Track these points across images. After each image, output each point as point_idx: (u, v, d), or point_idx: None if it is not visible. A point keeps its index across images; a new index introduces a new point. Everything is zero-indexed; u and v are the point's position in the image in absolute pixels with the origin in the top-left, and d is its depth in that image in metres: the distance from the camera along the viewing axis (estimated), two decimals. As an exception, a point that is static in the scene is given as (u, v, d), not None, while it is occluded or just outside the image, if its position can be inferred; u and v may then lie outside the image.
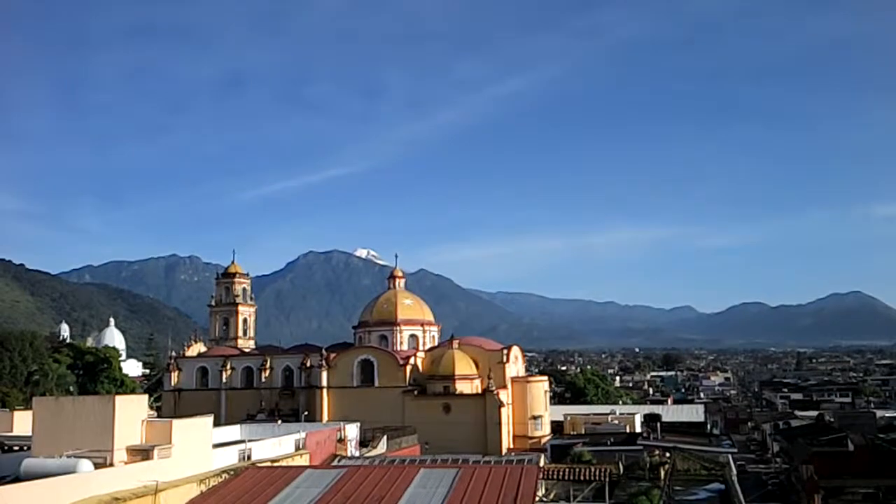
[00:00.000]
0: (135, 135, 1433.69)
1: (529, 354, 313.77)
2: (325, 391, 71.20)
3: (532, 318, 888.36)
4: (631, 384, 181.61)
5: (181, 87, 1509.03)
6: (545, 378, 77.98)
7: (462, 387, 68.64)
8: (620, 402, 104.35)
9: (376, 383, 70.61)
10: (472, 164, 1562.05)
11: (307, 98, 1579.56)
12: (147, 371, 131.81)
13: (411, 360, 70.86)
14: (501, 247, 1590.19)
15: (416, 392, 69.26)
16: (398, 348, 74.91)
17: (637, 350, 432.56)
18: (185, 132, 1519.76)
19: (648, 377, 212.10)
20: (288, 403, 73.66)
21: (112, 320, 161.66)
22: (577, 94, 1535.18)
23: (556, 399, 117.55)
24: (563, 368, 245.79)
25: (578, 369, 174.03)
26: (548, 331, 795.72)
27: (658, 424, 65.02)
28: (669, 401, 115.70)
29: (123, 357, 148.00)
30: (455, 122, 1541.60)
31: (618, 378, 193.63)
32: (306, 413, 69.34)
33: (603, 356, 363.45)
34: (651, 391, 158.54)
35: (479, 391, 68.37)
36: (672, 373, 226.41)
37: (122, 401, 23.31)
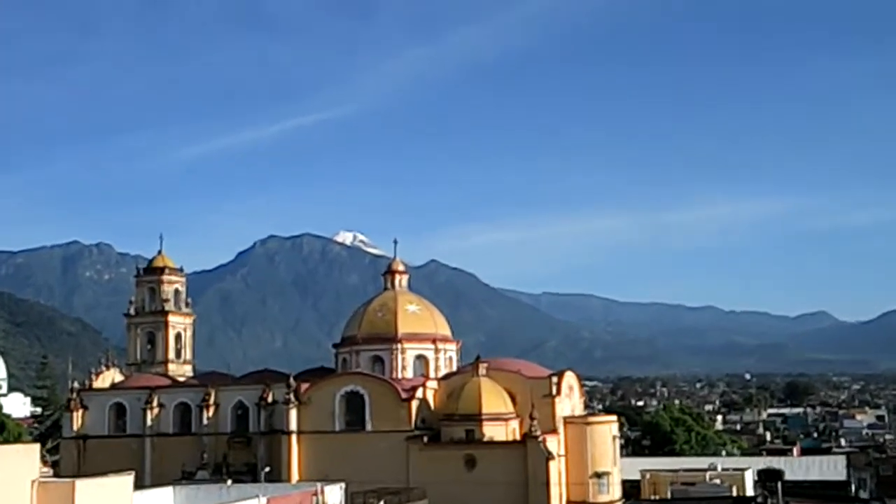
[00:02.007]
0: (20, 67, 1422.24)
1: (590, 384, 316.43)
2: (294, 438, 71.34)
3: (593, 331, 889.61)
4: (739, 426, 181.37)
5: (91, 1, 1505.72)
6: (613, 418, 77.95)
7: (492, 431, 68.63)
8: (724, 453, 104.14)
9: (369, 426, 70.76)
10: (501, 108, 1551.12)
11: (266, 15, 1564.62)
12: (38, 410, 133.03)
13: (418, 393, 70.90)
14: (546, 227, 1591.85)
15: (425, 439, 69.34)
16: (400, 375, 75.05)
17: (748, 376, 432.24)
18: (93, 64, 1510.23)
19: (765, 416, 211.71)
20: (241, 455, 73.87)
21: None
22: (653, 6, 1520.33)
23: (631, 448, 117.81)
24: (640, 404, 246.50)
25: (661, 405, 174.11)
26: (616, 349, 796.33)
27: (779, 485, 64.82)
28: (795, 450, 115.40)
29: (3, 390, 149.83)
30: (476, 49, 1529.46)
31: (720, 417, 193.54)
32: (268, 469, 69.48)
33: (698, 385, 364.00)
34: (769, 436, 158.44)
35: (518, 437, 68.42)
36: (799, 410, 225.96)
37: (1, 454, 23.46)
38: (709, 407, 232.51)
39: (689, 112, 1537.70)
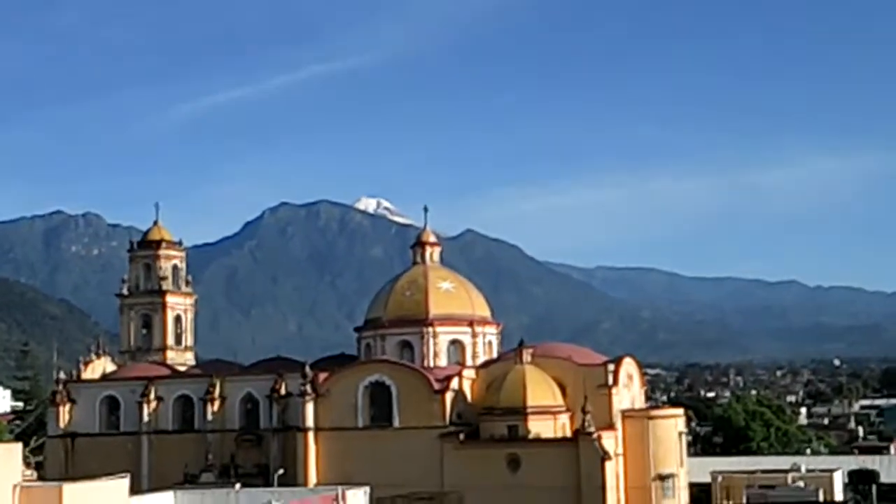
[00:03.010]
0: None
1: (653, 372, 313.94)
2: (311, 435, 71.96)
3: (656, 311, 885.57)
4: (827, 420, 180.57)
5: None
6: (680, 411, 78.27)
7: (539, 426, 68.92)
8: (808, 452, 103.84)
9: (396, 422, 71.42)
10: (551, 50, 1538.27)
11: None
12: (20, 404, 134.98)
13: (453, 384, 71.33)
14: (601, 191, 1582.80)
15: (462, 436, 69.82)
16: (432, 363, 75.41)
17: (837, 363, 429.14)
18: (72, 7, 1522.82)
19: (857, 408, 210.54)
20: (251, 455, 74.72)
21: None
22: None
23: (700, 446, 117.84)
24: (711, 395, 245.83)
25: (735, 396, 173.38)
26: (683, 331, 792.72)
27: (873, 488, 64.60)
28: (893, 448, 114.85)
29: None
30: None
31: (804, 410, 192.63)
32: (282, 471, 70.26)
33: (778, 373, 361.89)
34: (861, 432, 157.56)
35: (569, 434, 68.76)
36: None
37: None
38: (791, 398, 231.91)
39: (776, 51, 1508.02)
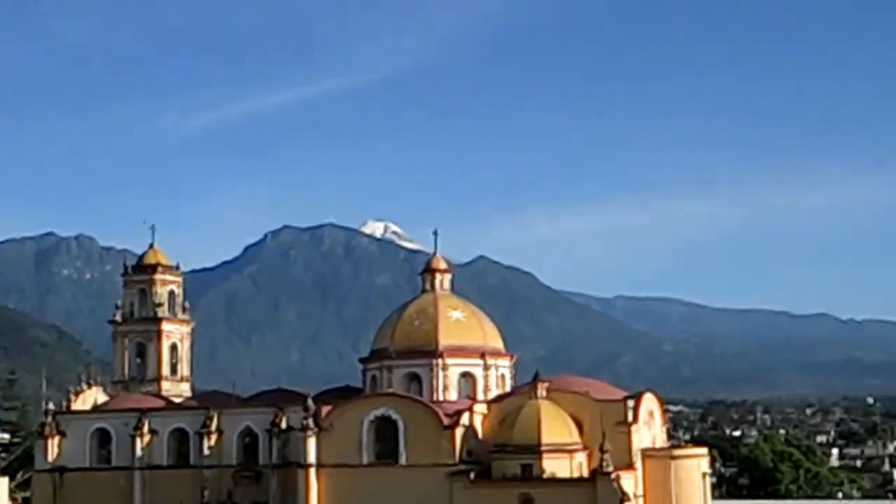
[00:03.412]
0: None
1: (675, 408, 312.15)
2: (312, 472, 72.01)
3: (678, 344, 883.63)
4: (860, 462, 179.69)
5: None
6: (703, 451, 77.97)
7: (555, 465, 68.80)
8: (840, 495, 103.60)
9: (403, 459, 71.42)
10: (565, 69, 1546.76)
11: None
12: (5, 436, 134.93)
13: (464, 419, 71.30)
14: (620, 216, 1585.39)
15: (472, 475, 69.70)
16: (441, 397, 75.52)
17: (871, 401, 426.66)
18: (67, 15, 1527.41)
19: (891, 449, 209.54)
20: (249, 492, 74.71)
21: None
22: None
23: (725, 488, 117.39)
24: (736, 434, 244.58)
25: (763, 435, 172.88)
26: (707, 366, 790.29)
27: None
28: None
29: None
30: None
31: (835, 451, 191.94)
32: (282, 510, 70.42)
33: (808, 411, 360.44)
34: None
35: (585, 473, 68.61)
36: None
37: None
38: (822, 438, 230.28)
39: (807, 70, 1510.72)
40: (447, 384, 76.31)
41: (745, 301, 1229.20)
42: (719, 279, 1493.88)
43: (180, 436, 78.54)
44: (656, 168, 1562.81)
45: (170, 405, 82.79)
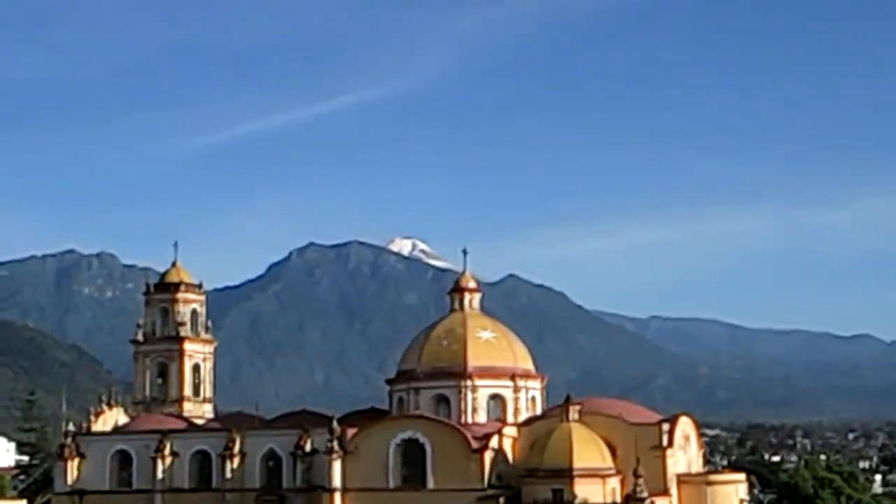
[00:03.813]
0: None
1: (712, 432, 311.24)
2: (338, 496, 72.12)
3: (715, 366, 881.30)
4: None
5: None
6: (741, 476, 77.68)
7: (587, 490, 68.03)
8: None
9: (430, 483, 71.24)
10: (598, 79, 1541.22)
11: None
12: (25, 458, 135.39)
13: (493, 442, 71.07)
14: (656, 233, 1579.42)
15: (502, 500, 69.50)
16: (470, 419, 75.31)
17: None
18: (85, 25, 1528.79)
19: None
20: (273, 517, 74.16)
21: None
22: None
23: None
24: (775, 459, 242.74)
25: (803, 460, 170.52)
26: (745, 389, 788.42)
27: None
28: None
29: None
30: (564, 6, 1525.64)
31: (879, 478, 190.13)
32: (305, 535, 69.86)
33: (850, 436, 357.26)
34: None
35: (619, 499, 68.19)
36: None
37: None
38: (864, 464, 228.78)
39: (847, 80, 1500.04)
40: (476, 406, 76.32)
41: (785, 322, 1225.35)
42: (759, 299, 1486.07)
43: (202, 458, 78.59)
44: (690, 184, 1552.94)
45: (192, 426, 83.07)
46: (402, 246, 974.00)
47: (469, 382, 76.37)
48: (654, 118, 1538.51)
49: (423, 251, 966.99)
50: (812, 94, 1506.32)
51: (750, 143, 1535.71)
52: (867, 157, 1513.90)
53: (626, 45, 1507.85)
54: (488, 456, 70.30)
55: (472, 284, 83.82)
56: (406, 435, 72.28)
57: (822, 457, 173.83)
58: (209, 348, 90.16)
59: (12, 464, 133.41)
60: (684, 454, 74.37)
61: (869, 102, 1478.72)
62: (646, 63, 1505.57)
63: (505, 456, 71.64)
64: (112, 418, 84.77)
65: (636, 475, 66.81)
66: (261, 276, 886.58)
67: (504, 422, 74.95)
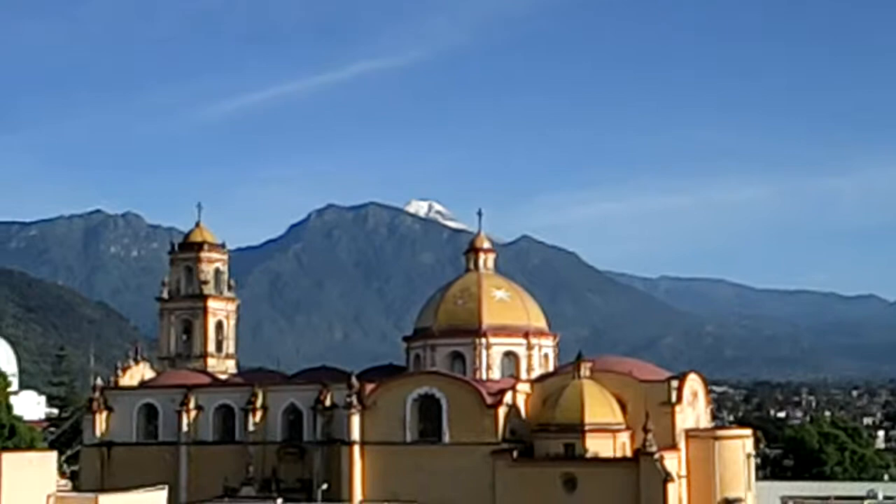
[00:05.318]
0: (22, 2, 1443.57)
1: (719, 389, 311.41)
2: (356, 449, 72.28)
3: (723, 325, 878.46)
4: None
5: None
6: (748, 432, 77.73)
7: (597, 445, 68.72)
8: (886, 478, 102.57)
9: (446, 437, 71.54)
10: (610, 47, 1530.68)
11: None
12: (55, 411, 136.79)
13: (507, 398, 71.29)
14: (666, 196, 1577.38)
15: (515, 454, 69.75)
16: (484, 376, 75.46)
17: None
18: (118, 2, 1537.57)
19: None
20: (294, 469, 75.14)
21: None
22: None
23: (769, 469, 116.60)
24: (781, 415, 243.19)
25: (808, 417, 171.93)
26: (752, 347, 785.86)
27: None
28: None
29: (13, 387, 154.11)
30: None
31: (882, 433, 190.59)
32: (325, 486, 70.82)
33: (854, 393, 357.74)
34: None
35: (629, 453, 68.54)
36: None
37: (11, 462, 24.10)
38: (868, 420, 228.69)
39: (848, 50, 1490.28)
40: (490, 363, 76.25)
41: (791, 282, 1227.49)
42: (766, 261, 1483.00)
43: (226, 412, 79.11)
44: (698, 150, 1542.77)
45: (215, 382, 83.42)
46: (419, 207, 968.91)
47: (483, 340, 76.07)
48: (663, 88, 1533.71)
49: (438, 212, 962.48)
50: (815, 67, 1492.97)
51: (753, 111, 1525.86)
52: (872, 123, 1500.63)
53: (636, 15, 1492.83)
54: (502, 411, 70.22)
55: (486, 245, 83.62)
56: (422, 391, 72.19)
57: (827, 413, 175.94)
58: (232, 306, 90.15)
59: (43, 416, 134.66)
60: (692, 410, 74.05)
61: (871, 72, 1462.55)
62: (657, 33, 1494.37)
63: (518, 412, 71.60)
64: (138, 373, 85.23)
65: (645, 430, 66.66)
66: (281, 237, 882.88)
67: (518, 378, 74.58)
